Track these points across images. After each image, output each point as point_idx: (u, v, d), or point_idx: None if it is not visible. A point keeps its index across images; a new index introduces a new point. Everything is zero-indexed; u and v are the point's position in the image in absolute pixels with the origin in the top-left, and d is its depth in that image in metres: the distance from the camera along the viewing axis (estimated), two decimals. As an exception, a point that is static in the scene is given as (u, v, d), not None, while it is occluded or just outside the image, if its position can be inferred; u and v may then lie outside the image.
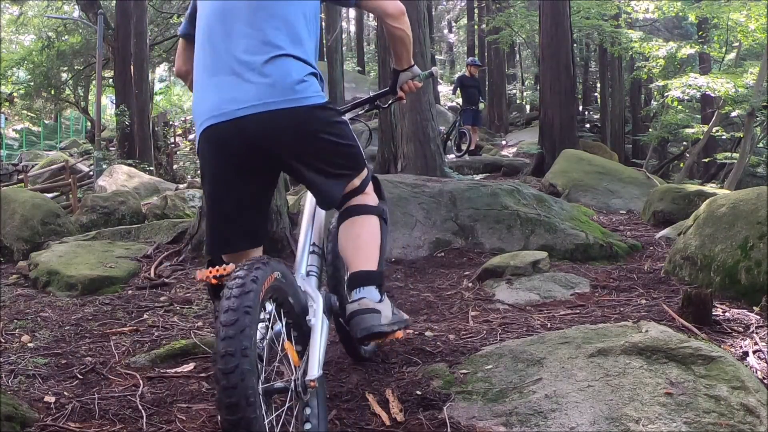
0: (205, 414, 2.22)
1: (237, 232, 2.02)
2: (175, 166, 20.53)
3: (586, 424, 1.90)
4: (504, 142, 18.92)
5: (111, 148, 20.47)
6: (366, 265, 1.99)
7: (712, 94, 12.77)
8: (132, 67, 17.74)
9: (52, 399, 2.36)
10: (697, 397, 1.95)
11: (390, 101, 2.49)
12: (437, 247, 4.84)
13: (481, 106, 14.20)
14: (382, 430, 2.04)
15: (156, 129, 20.26)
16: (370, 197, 2.11)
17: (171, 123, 27.33)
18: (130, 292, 4.16)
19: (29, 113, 33.22)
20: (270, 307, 1.71)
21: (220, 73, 1.95)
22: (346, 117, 2.27)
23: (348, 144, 2.03)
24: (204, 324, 3.38)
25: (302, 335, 1.85)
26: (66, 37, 27.09)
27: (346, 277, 2.22)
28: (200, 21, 2.06)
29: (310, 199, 2.30)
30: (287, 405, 1.64)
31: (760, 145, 15.11)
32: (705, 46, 16.34)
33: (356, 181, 2.06)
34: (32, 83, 28.84)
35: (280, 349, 1.73)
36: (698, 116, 17.25)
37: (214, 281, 1.69)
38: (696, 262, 3.65)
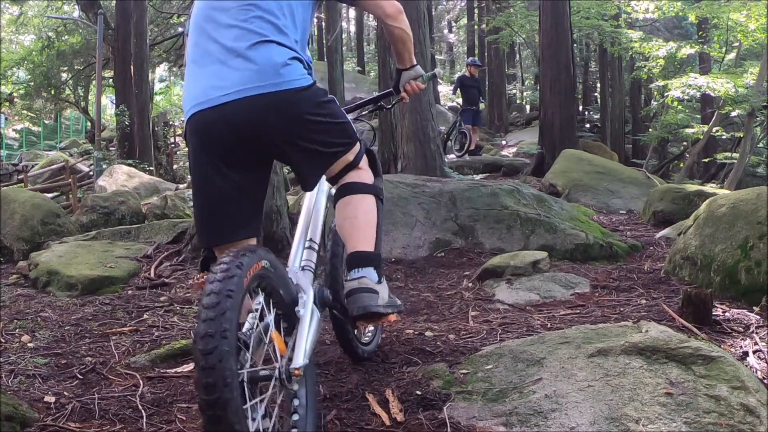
0: (205, 414, 2.22)
1: (223, 223, 1.99)
2: (175, 166, 20.54)
3: (586, 424, 1.90)
4: (504, 142, 18.93)
5: (111, 148, 20.49)
6: (364, 245, 1.99)
7: (712, 94, 12.77)
8: (132, 67, 17.73)
9: (52, 399, 2.36)
10: (697, 397, 1.95)
11: (393, 102, 2.48)
12: (437, 247, 4.84)
13: (482, 106, 14.20)
14: (382, 430, 2.04)
15: (156, 129, 20.26)
16: (365, 173, 2.10)
17: (171, 123, 27.30)
18: (130, 292, 4.16)
19: (29, 113, 33.24)
20: (259, 296, 1.72)
21: (207, 63, 1.95)
22: (353, 115, 2.26)
23: (337, 121, 2.02)
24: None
25: (292, 326, 1.85)
26: (66, 37, 27.10)
27: (344, 261, 2.19)
28: (192, 18, 2.08)
29: (309, 195, 2.29)
30: (269, 392, 1.64)
31: (760, 145, 15.11)
32: (705, 46, 16.35)
33: (349, 156, 2.05)
34: (32, 83, 28.87)
35: (267, 338, 1.72)
36: (698, 116, 17.25)
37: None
38: (696, 262, 3.65)
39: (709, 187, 8.09)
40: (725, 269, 3.41)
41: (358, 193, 2.05)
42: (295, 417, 1.75)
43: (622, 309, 3.23)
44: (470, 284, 3.95)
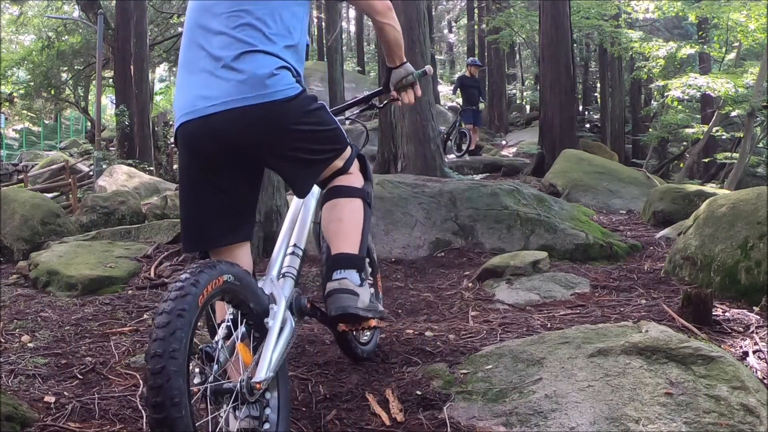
0: (205, 414, 2.22)
1: (208, 230, 1.97)
2: (175, 166, 20.47)
3: (586, 424, 1.90)
4: (504, 142, 18.92)
5: (111, 148, 20.49)
6: (347, 248, 1.98)
7: (712, 94, 12.77)
8: (132, 67, 17.73)
9: (52, 399, 2.36)
10: (697, 397, 1.95)
11: (385, 101, 2.46)
12: (437, 247, 4.84)
13: (481, 106, 14.21)
14: (382, 430, 2.04)
15: (156, 129, 20.25)
16: (354, 177, 2.08)
17: (171, 123, 27.28)
18: (130, 292, 4.15)
19: (29, 113, 33.25)
20: (228, 309, 1.74)
21: (196, 70, 1.94)
22: (344, 116, 2.24)
23: (325, 129, 1.99)
24: (203, 324, 3.37)
25: (263, 337, 1.83)
26: (66, 37, 27.10)
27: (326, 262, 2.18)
28: (186, 17, 2.07)
29: (295, 200, 2.27)
30: (230, 405, 1.65)
31: (760, 145, 15.11)
32: (705, 46, 16.34)
33: (338, 162, 2.04)
34: (32, 83, 28.89)
35: (234, 351, 1.73)
36: (698, 116, 17.23)
37: None
38: (696, 262, 3.65)
39: (709, 187, 8.10)
40: (725, 269, 3.41)
41: (345, 196, 2.04)
42: (266, 426, 1.76)
43: (622, 309, 3.23)
44: (470, 284, 3.95)
